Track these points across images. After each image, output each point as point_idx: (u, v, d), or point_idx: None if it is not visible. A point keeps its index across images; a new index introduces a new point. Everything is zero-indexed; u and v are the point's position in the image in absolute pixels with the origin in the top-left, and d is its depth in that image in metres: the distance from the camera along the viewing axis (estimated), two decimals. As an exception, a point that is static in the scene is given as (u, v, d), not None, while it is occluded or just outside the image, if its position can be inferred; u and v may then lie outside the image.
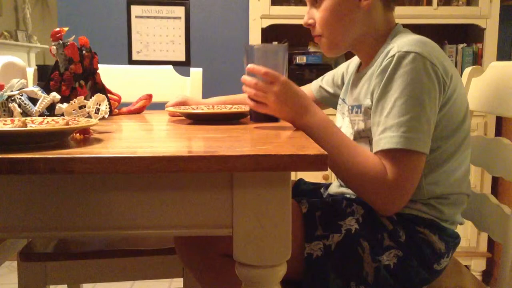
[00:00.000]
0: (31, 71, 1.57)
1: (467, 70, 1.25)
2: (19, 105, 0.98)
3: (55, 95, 1.02)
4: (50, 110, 1.01)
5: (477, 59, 2.39)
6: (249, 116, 1.10)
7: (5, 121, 0.84)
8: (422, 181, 0.98)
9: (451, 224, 1.04)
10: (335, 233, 0.98)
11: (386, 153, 0.94)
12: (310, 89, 1.37)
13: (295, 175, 2.00)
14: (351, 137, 1.08)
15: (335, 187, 1.17)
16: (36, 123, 0.85)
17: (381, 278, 0.97)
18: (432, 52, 0.96)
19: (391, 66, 0.94)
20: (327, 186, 1.24)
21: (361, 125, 1.05)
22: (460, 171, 1.02)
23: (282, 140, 0.83)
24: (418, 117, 0.92)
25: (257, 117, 1.00)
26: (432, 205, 1.00)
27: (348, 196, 1.10)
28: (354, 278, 0.97)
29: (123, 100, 1.41)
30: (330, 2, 1.05)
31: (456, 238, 1.04)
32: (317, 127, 0.96)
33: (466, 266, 1.17)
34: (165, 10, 2.71)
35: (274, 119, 0.99)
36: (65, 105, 0.98)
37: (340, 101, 1.22)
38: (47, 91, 1.12)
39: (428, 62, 0.93)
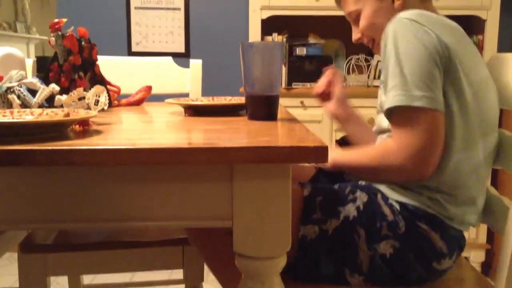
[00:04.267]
0: (30, 63, 1.56)
1: (468, 62, 1.24)
2: (18, 97, 0.98)
3: (54, 87, 1.01)
4: (49, 101, 1.01)
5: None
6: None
7: (4, 112, 0.84)
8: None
9: (460, 224, 1.01)
10: (333, 219, 0.99)
11: (394, 117, 0.95)
12: None
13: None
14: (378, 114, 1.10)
15: None
16: (35, 115, 0.85)
17: (376, 267, 0.97)
18: (428, 21, 0.95)
19: (387, 32, 0.97)
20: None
21: (380, 99, 1.06)
22: (467, 165, 0.98)
23: (281, 132, 0.83)
24: (417, 73, 0.91)
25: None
26: (438, 201, 0.99)
27: (359, 182, 1.10)
28: (348, 265, 0.98)
29: (122, 91, 1.41)
30: (368, 11, 1.13)
31: (460, 240, 1.02)
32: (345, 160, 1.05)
33: (465, 257, 1.17)
34: (164, 1, 2.69)
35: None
36: (64, 96, 0.98)
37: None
38: (46, 82, 1.11)
39: (420, 25, 0.94)
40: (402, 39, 0.93)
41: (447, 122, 0.95)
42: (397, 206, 1.00)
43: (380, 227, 0.98)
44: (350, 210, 0.99)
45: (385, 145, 0.99)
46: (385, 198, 1.02)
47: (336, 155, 1.05)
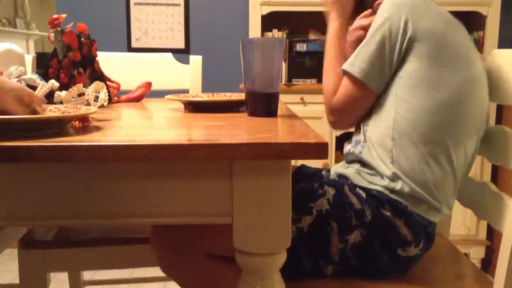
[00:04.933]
0: (29, 59, 1.56)
1: (468, 58, 1.24)
2: (18, 93, 0.97)
3: (53, 83, 1.01)
4: (49, 98, 1.01)
5: (478, 47, 2.38)
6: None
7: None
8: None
9: (425, 212, 1.01)
10: (306, 215, 1.00)
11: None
12: None
13: (295, 161, 2.00)
14: None
15: (337, 167, 1.18)
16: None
17: (345, 259, 1.00)
18: (411, 6, 1.02)
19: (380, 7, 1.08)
20: (329, 169, 1.25)
21: None
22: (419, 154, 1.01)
23: (282, 129, 0.83)
24: (367, 51, 1.05)
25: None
26: (400, 180, 1.00)
27: (332, 178, 1.11)
28: (323, 257, 1.01)
29: (122, 87, 1.41)
30: None
31: (426, 227, 1.02)
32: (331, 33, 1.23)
33: (465, 254, 1.17)
34: (164, -3, 2.69)
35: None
36: (63, 92, 0.98)
37: None
38: (46, 78, 1.11)
39: (401, 7, 1.02)
40: (380, 17, 1.05)
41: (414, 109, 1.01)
42: (363, 194, 1.02)
43: (349, 217, 1.00)
44: (321, 204, 1.02)
45: (336, 76, 1.13)
46: (352, 187, 1.04)
47: (332, 30, 1.24)
